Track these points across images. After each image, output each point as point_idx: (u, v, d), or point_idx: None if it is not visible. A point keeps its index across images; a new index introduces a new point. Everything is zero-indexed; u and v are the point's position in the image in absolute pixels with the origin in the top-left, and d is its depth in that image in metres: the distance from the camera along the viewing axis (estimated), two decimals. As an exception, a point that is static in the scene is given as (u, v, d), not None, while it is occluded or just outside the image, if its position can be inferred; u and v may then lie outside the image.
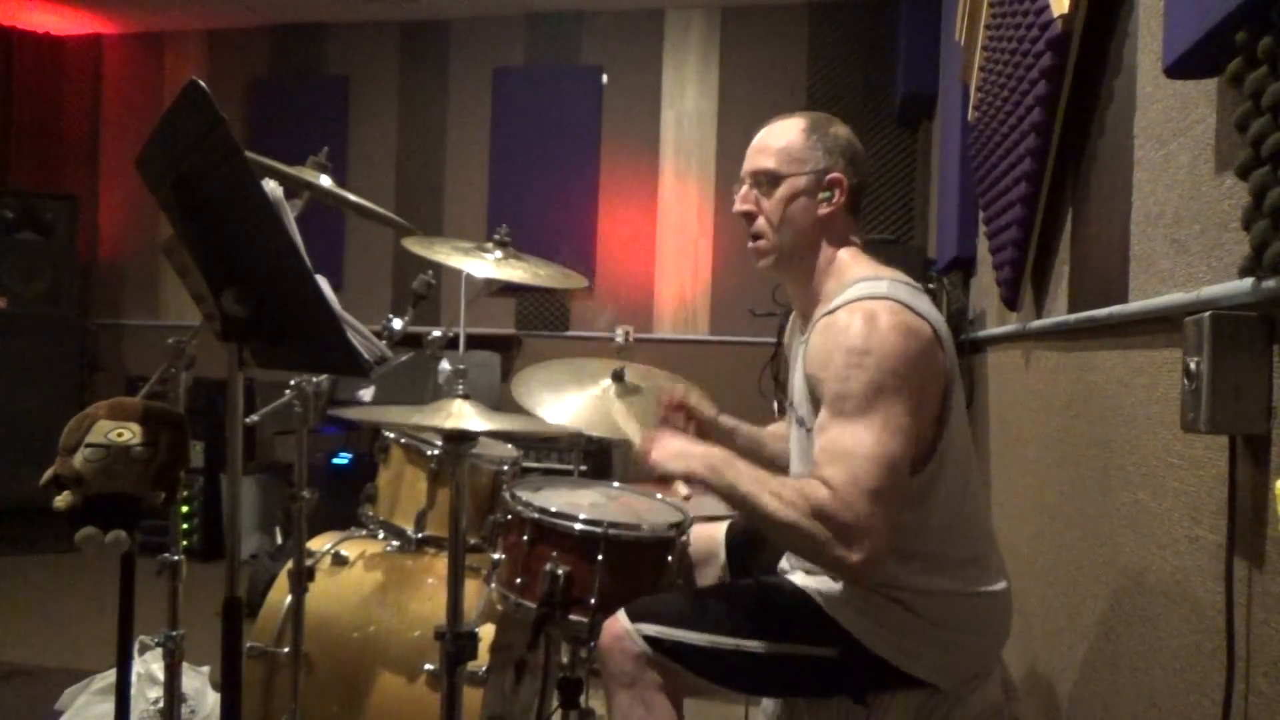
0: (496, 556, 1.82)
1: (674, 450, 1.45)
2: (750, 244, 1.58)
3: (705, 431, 1.77)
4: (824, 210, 1.53)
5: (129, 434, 1.42)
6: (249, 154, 1.15)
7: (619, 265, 4.88)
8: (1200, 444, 1.10)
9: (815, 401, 1.40)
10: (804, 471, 1.51)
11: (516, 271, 2.06)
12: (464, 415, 1.48)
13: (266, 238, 1.13)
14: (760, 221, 1.55)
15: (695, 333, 4.80)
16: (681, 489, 1.46)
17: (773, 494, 1.31)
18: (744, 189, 1.57)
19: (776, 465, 1.84)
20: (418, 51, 5.12)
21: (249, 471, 4.49)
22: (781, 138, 1.55)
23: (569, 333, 4.93)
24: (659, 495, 1.91)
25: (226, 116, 1.05)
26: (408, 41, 5.13)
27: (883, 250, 1.61)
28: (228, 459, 1.26)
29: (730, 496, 1.37)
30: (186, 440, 1.49)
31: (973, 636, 1.44)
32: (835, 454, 1.29)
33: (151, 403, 1.50)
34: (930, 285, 2.99)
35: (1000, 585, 1.47)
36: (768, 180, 1.54)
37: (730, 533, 1.83)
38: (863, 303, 1.37)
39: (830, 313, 1.41)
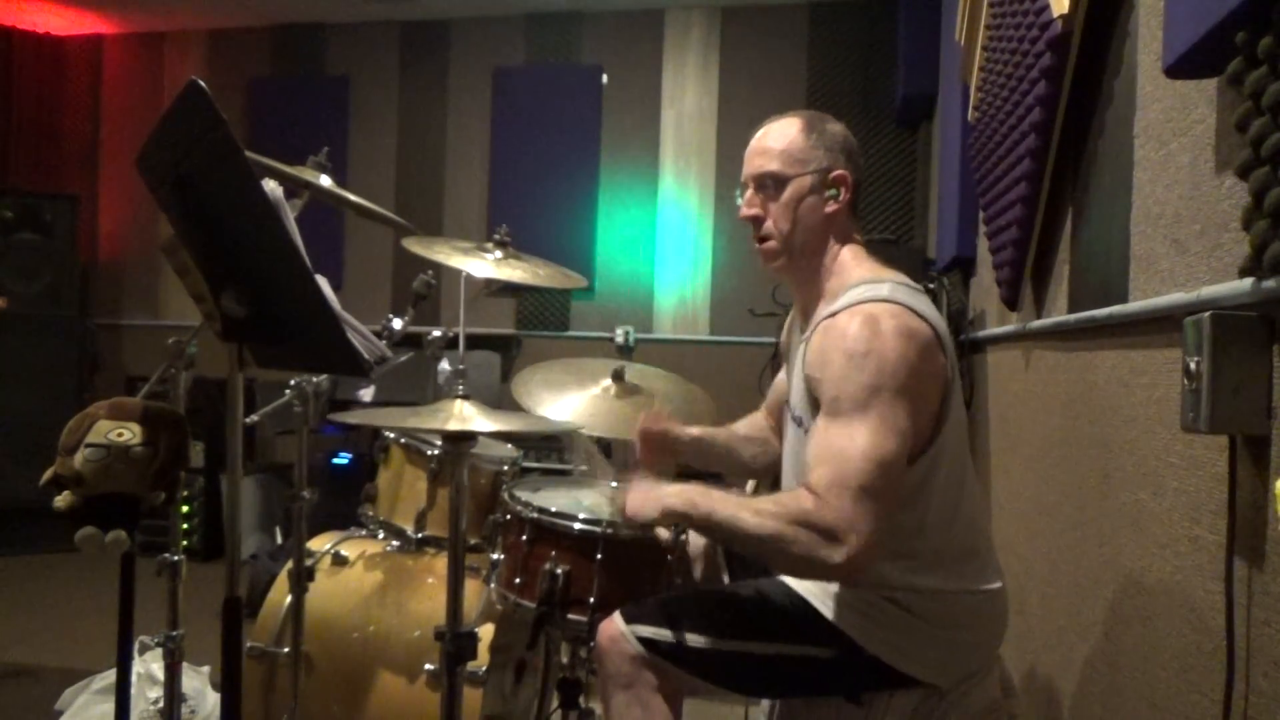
0: (496, 556, 1.82)
1: (646, 497, 1.44)
2: (758, 246, 1.57)
3: (683, 449, 1.78)
4: (831, 208, 1.53)
5: (129, 434, 1.42)
6: (249, 154, 1.15)
7: (619, 265, 4.88)
8: (1200, 444, 1.10)
9: (814, 402, 1.40)
10: (798, 470, 1.52)
11: (516, 271, 2.06)
12: (464, 416, 1.48)
13: (266, 238, 1.13)
14: (768, 224, 1.54)
15: (695, 333, 4.80)
16: (663, 534, 1.46)
17: (752, 511, 1.31)
18: (748, 193, 1.57)
19: (753, 469, 1.84)
20: (418, 51, 5.12)
21: (249, 471, 4.49)
22: (781, 139, 1.54)
23: (569, 333, 4.93)
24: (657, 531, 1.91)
25: (226, 116, 1.05)
26: (408, 41, 5.13)
27: (883, 250, 1.61)
28: (228, 459, 1.26)
29: (709, 526, 1.37)
30: (186, 440, 1.49)
31: (969, 635, 1.44)
32: (826, 455, 1.29)
33: (151, 403, 1.50)
34: (930, 285, 2.99)
35: (996, 584, 1.47)
36: (773, 183, 1.53)
37: None
38: (864, 305, 1.37)
39: (831, 315, 1.41)
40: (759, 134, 1.58)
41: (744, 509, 1.32)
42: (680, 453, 1.79)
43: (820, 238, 1.54)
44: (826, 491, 1.25)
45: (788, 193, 1.52)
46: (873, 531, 1.24)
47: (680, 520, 1.41)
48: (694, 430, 1.81)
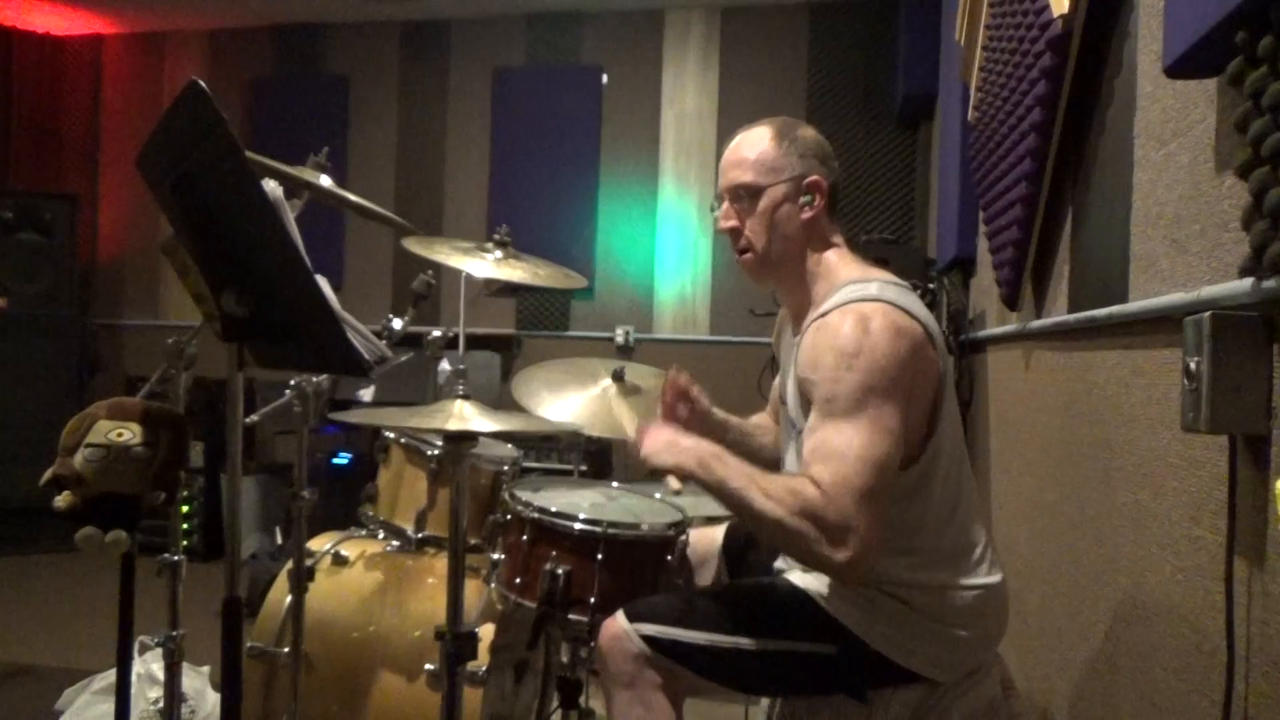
0: (496, 556, 1.82)
1: (664, 443, 1.45)
2: (739, 258, 1.58)
3: (702, 423, 1.75)
4: (807, 214, 1.53)
5: (129, 434, 1.42)
6: (249, 154, 1.15)
7: (619, 265, 4.88)
8: (1200, 444, 1.10)
9: (807, 404, 1.40)
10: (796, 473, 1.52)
11: (516, 271, 2.06)
12: (464, 416, 1.48)
13: (266, 238, 1.13)
14: (747, 236, 1.55)
15: (695, 333, 4.80)
16: (673, 483, 1.46)
17: (762, 490, 1.31)
18: (724, 206, 1.58)
19: (763, 457, 1.84)
20: (418, 51, 5.12)
21: (249, 471, 4.49)
22: (753, 149, 1.54)
23: (569, 333, 4.93)
24: (656, 494, 1.90)
25: (226, 116, 1.05)
26: (408, 41, 5.13)
27: (883, 250, 1.61)
28: (228, 459, 1.26)
29: (719, 492, 1.37)
30: (186, 440, 1.48)
31: (970, 630, 1.44)
32: (824, 454, 1.30)
33: (151, 403, 1.50)
34: (930, 285, 2.99)
35: (996, 578, 1.47)
36: (748, 194, 1.54)
37: (728, 536, 1.83)
38: (853, 305, 1.38)
39: (821, 316, 1.41)
40: (731, 145, 1.58)
41: (754, 486, 1.32)
42: (699, 422, 1.75)
43: (799, 244, 1.54)
44: (831, 488, 1.26)
45: (763, 202, 1.53)
46: (872, 533, 1.26)
47: (692, 479, 1.41)
48: (719, 413, 1.80)
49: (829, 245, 1.55)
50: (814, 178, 1.53)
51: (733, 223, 1.56)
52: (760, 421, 1.89)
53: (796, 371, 1.44)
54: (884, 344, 1.32)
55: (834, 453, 1.29)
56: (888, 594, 1.41)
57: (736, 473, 1.36)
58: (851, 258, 1.55)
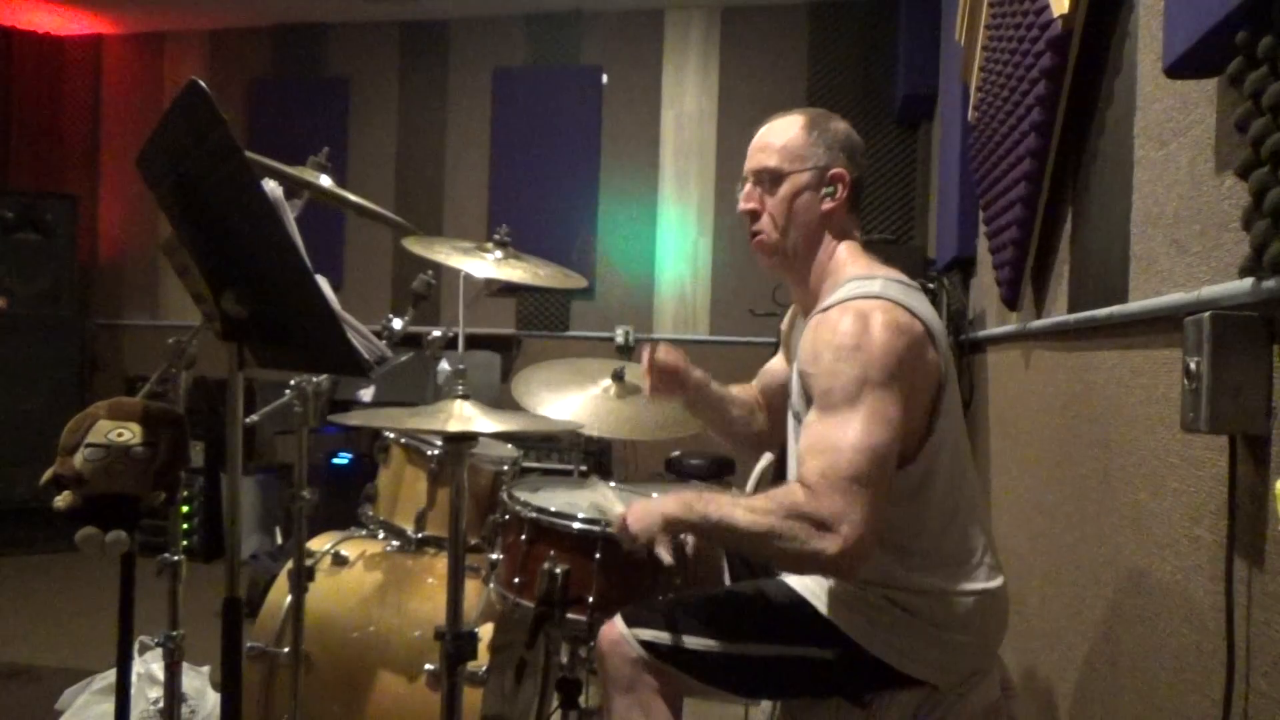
0: (496, 556, 1.82)
1: (643, 511, 1.44)
2: (752, 240, 1.58)
3: (695, 394, 1.77)
4: (827, 206, 1.53)
5: (129, 434, 1.42)
6: (249, 154, 1.15)
7: (619, 265, 4.88)
8: (1200, 444, 1.10)
9: (808, 397, 1.40)
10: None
11: (516, 271, 2.06)
12: (464, 416, 1.48)
13: (266, 238, 1.13)
14: (764, 219, 1.55)
15: (695, 333, 4.80)
16: (665, 556, 1.46)
17: (745, 509, 1.32)
18: (747, 188, 1.58)
19: (736, 430, 1.84)
20: (418, 51, 5.12)
21: (249, 471, 4.49)
22: (782, 135, 1.55)
23: (569, 333, 4.93)
24: (654, 494, 1.90)
25: (227, 116, 1.05)
26: (408, 41, 5.13)
27: (883, 250, 1.61)
28: (228, 459, 1.26)
29: (705, 527, 1.37)
30: (186, 440, 1.48)
31: (969, 635, 1.43)
32: (817, 447, 1.30)
33: (151, 403, 1.50)
34: (930, 285, 2.99)
35: (996, 583, 1.47)
36: (770, 178, 1.54)
37: None
38: (854, 301, 1.38)
39: (823, 311, 1.41)
40: (762, 129, 1.59)
41: (738, 507, 1.33)
42: (687, 388, 1.77)
43: (815, 234, 1.54)
44: (817, 483, 1.26)
45: (784, 189, 1.53)
46: (864, 521, 1.24)
47: (680, 526, 1.41)
48: (698, 373, 1.80)
49: (843, 240, 1.55)
50: (838, 170, 1.53)
51: (753, 205, 1.56)
52: (740, 396, 1.87)
53: (798, 364, 1.44)
54: (882, 339, 1.32)
55: (826, 445, 1.28)
56: (887, 598, 1.41)
57: (716, 504, 1.36)
58: (862, 254, 1.55)
